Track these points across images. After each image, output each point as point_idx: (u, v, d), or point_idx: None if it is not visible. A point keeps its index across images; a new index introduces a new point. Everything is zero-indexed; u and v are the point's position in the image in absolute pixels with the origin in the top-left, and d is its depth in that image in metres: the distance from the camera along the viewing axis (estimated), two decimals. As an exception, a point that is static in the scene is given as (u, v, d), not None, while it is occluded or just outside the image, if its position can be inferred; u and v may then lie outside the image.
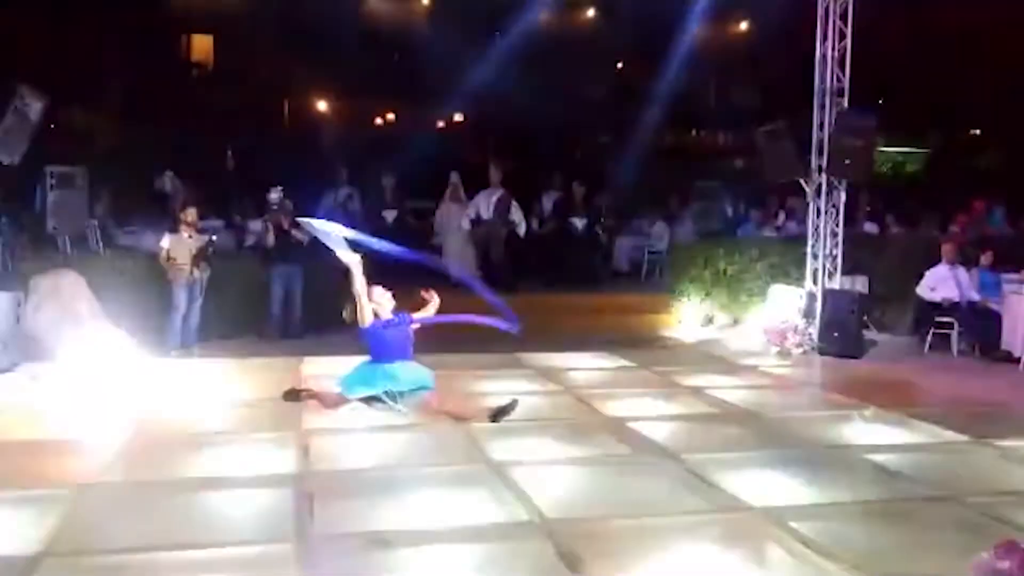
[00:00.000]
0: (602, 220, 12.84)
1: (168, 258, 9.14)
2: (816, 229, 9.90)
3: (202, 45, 17.30)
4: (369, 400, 6.48)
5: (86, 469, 5.14)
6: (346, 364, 7.03)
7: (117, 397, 6.92)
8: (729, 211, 13.28)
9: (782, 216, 13.27)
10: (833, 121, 9.59)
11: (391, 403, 6.39)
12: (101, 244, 10.55)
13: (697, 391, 7.44)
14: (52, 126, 11.49)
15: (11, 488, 4.78)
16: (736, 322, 10.60)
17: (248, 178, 12.39)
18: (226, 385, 7.39)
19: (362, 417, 6.35)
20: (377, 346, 6.58)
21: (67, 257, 9.58)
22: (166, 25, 15.21)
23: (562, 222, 12.77)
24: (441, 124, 19.34)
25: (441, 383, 6.69)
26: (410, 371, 6.54)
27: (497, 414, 6.18)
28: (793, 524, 4.36)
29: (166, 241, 9.25)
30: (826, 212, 9.82)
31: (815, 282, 9.88)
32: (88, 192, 10.06)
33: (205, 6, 16.06)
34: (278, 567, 3.86)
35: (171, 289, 9.12)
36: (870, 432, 6.25)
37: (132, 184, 12.16)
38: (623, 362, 8.67)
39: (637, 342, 9.47)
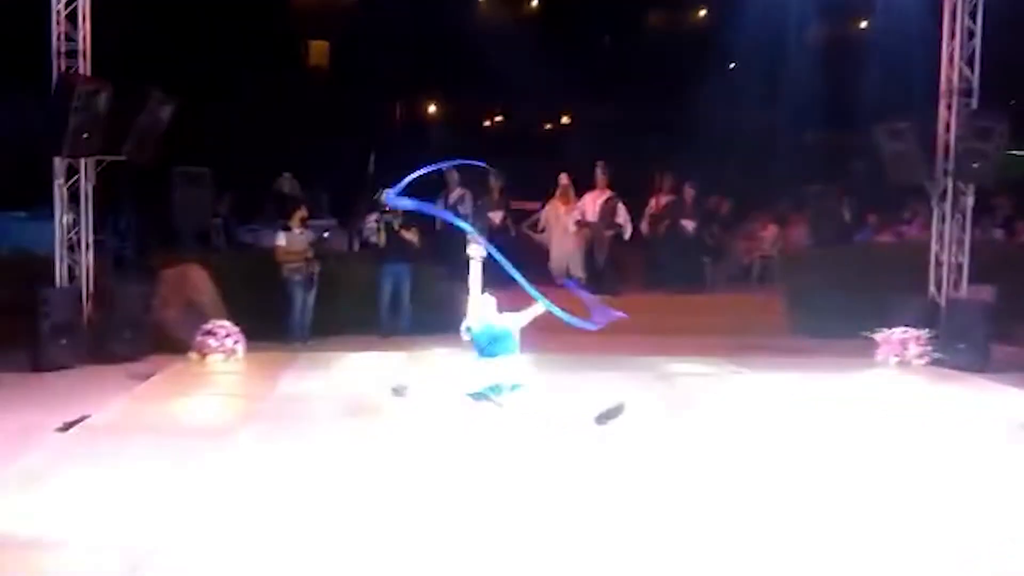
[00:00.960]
0: (713, 226, 12.62)
1: (283, 254, 9.53)
2: (941, 235, 9.46)
3: (319, 50, 17.83)
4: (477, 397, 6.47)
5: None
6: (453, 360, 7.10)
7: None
8: (847, 215, 12.82)
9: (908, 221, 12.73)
10: (960, 123, 9.15)
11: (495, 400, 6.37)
12: (224, 241, 11.03)
13: (810, 401, 7.22)
14: (180, 129, 12.09)
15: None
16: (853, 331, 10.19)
17: (362, 178, 12.69)
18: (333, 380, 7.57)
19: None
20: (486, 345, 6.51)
21: (192, 253, 10.06)
22: (285, 31, 15.76)
23: (671, 225, 12.59)
24: (548, 126, 19.41)
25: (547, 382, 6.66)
26: (513, 367, 6.47)
27: (603, 417, 6.13)
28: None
29: (281, 239, 9.65)
30: (952, 217, 9.38)
31: (939, 291, 9.44)
32: (213, 192, 10.53)
33: (321, 12, 16.60)
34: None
35: (286, 285, 9.48)
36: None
37: (254, 185, 12.65)
38: (732, 367, 8.48)
39: (745, 347, 9.24)
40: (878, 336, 9.00)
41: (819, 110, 14.13)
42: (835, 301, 10.02)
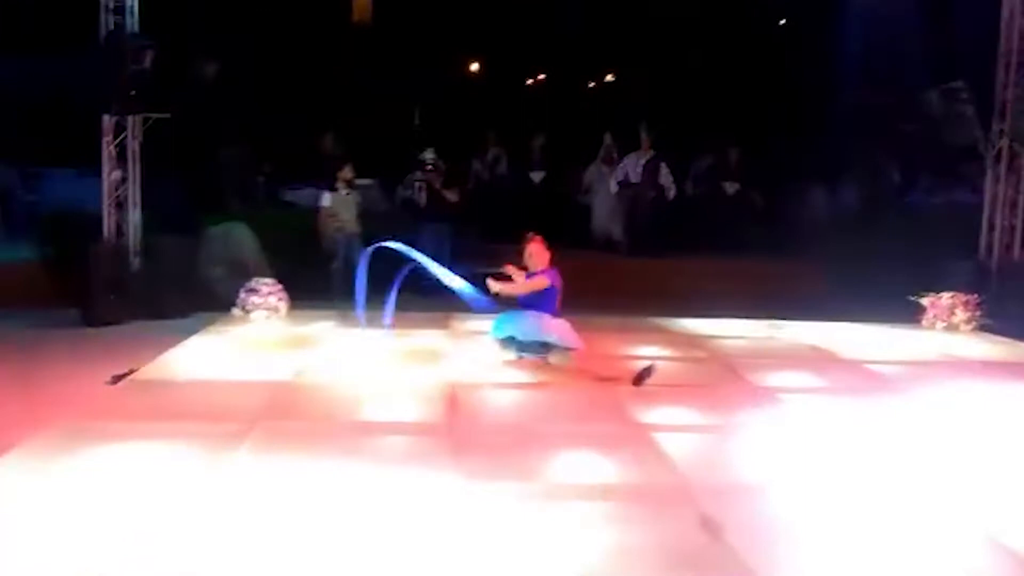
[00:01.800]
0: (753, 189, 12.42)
1: (330, 215, 9.59)
2: (994, 198, 9.22)
3: (362, 5, 17.68)
4: (519, 349, 6.56)
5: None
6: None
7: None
8: (897, 177, 12.53)
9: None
10: (1018, 82, 8.87)
11: (537, 355, 6.47)
12: (267, 200, 11.13)
13: (855, 364, 7.14)
14: (225, 87, 12.14)
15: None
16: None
17: (404, 138, 12.69)
18: (380, 339, 7.65)
19: (509, 374, 6.46)
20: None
21: (236, 211, 10.18)
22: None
23: (714, 187, 12.43)
24: (592, 84, 19.13)
25: (587, 344, 6.70)
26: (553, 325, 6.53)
27: (639, 378, 6.15)
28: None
29: (327, 199, 9.70)
30: (1005, 179, 9.13)
31: (990, 254, 9.22)
32: (257, 151, 10.62)
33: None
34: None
35: (329, 244, 9.56)
36: None
37: (297, 144, 12.69)
38: (773, 332, 8.41)
39: (787, 311, 9.13)
40: (925, 300, 8.84)
41: (870, 70, 13.74)
42: (882, 265, 9.84)
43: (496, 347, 6.71)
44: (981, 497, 4.35)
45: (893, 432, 5.34)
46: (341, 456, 4.64)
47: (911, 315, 8.82)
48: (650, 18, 14.79)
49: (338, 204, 9.65)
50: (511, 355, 6.64)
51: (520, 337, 6.57)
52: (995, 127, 9.13)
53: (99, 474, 4.34)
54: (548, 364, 6.52)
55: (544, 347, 6.54)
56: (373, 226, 9.93)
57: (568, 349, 6.53)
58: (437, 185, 10.16)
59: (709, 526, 3.86)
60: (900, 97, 13.10)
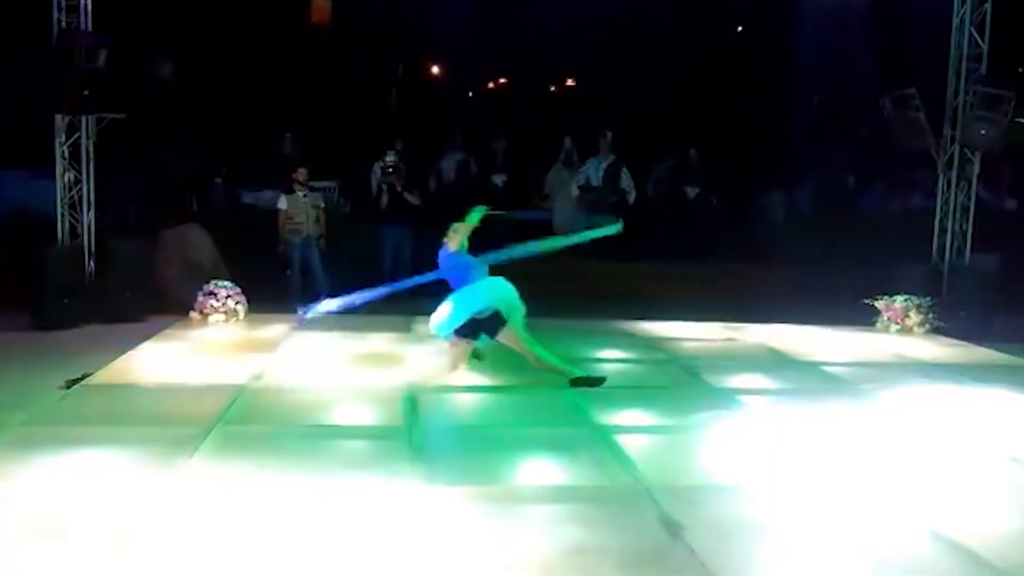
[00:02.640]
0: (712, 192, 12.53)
1: (286, 217, 9.49)
2: (946, 203, 9.41)
3: (320, 7, 17.55)
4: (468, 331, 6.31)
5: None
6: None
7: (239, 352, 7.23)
8: (851, 182, 12.74)
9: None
10: (968, 89, 9.06)
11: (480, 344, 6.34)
12: (225, 202, 10.98)
13: (811, 366, 7.24)
14: (180, 87, 11.97)
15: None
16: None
17: (364, 140, 12.60)
18: (339, 342, 7.59)
19: (468, 376, 6.45)
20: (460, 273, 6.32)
21: (192, 213, 10.03)
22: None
23: (674, 190, 12.52)
24: (552, 88, 19.19)
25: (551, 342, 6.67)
26: (496, 288, 6.27)
27: (579, 382, 6.15)
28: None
29: (283, 202, 9.61)
30: (957, 185, 9.33)
31: (942, 258, 9.41)
32: (213, 152, 10.48)
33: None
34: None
35: (285, 247, 9.47)
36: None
37: (255, 145, 12.56)
38: (732, 334, 8.50)
39: (746, 314, 9.22)
40: (880, 303, 9.00)
41: (825, 75, 13.97)
42: (838, 269, 9.99)
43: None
44: (928, 493, 4.44)
45: (848, 432, 5.43)
46: (299, 461, 4.60)
47: (866, 318, 8.96)
48: (610, 21, 14.88)
49: (294, 206, 9.55)
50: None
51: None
52: (946, 133, 9.32)
53: (52, 479, 4.25)
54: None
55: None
56: (335, 228, 9.87)
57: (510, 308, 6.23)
58: (399, 187, 10.10)
59: (669, 527, 3.88)
60: (854, 103, 13.34)
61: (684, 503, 4.14)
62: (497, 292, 6.25)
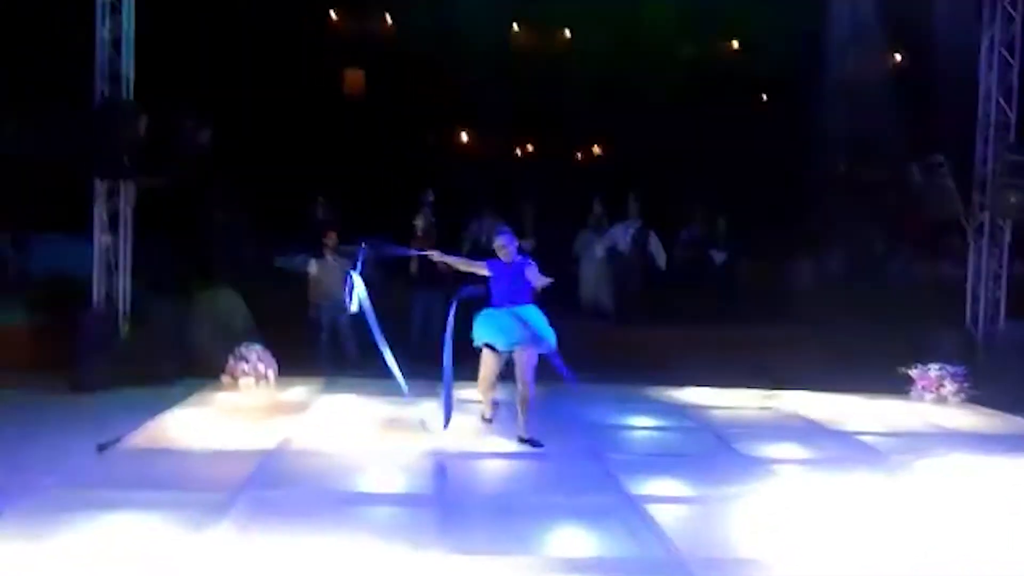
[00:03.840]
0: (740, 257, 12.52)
1: (314, 283, 9.60)
2: (978, 270, 9.35)
3: (354, 79, 18.01)
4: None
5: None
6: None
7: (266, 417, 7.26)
8: (880, 248, 12.69)
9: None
10: (997, 157, 9.07)
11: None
12: (256, 267, 11.11)
13: (845, 435, 7.13)
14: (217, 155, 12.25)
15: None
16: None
17: (394, 206, 12.77)
18: (368, 406, 7.59)
19: (496, 443, 6.42)
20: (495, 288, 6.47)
21: (226, 278, 10.15)
22: (320, 61, 15.96)
23: (701, 255, 12.53)
24: (580, 155, 19.44)
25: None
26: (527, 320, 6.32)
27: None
28: None
29: (313, 267, 9.72)
30: (988, 252, 9.27)
31: (975, 326, 9.30)
32: (248, 219, 10.66)
33: (357, 41, 16.80)
34: None
35: (315, 312, 9.55)
36: None
37: (289, 211, 12.75)
38: (765, 402, 8.41)
39: (777, 381, 9.13)
40: (913, 372, 8.89)
41: (852, 144, 14.05)
42: (869, 337, 9.90)
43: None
44: (958, 569, 4.32)
45: (881, 505, 5.32)
46: (327, 528, 4.57)
47: (900, 386, 8.85)
48: (637, 91, 15.12)
49: (324, 271, 9.66)
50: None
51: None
52: (976, 200, 9.31)
53: (84, 543, 4.25)
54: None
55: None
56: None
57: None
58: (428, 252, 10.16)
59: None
60: (883, 170, 13.36)
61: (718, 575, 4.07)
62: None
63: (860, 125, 14.20)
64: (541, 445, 6.30)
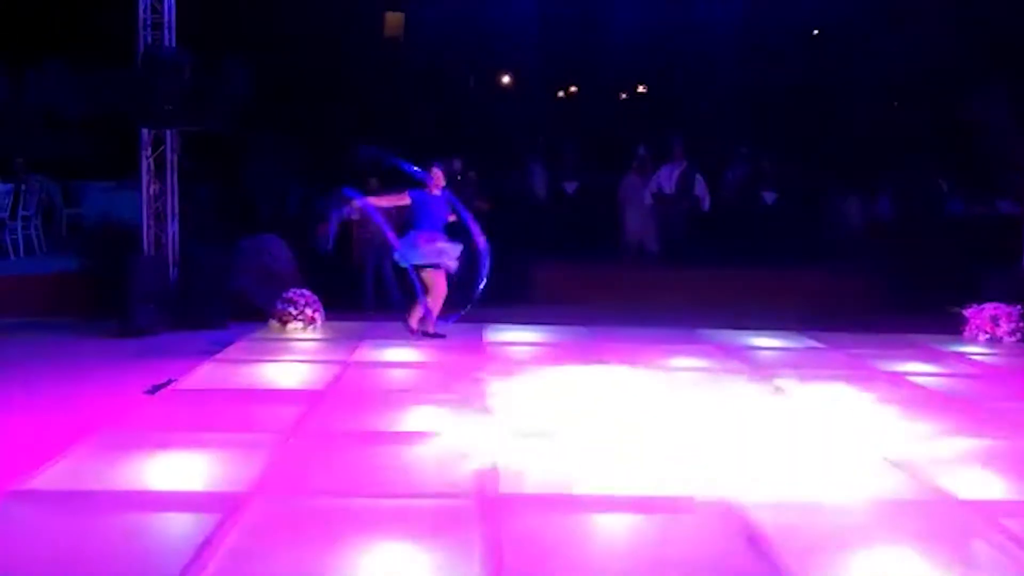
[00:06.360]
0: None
1: (359, 225, 9.62)
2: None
3: (394, 21, 17.81)
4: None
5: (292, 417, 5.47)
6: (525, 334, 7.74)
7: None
8: (943, 187, 12.30)
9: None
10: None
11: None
12: (301, 210, 11.18)
13: (895, 377, 7.01)
14: (258, 100, 12.26)
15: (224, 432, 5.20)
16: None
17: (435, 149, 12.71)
18: (411, 349, 7.65)
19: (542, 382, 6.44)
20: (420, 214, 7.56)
21: (269, 222, 10.23)
22: (360, 3, 15.80)
23: (750, 196, 12.30)
24: (624, 95, 19.11)
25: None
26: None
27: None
28: (1005, 521, 4.03)
29: (355, 212, 9.71)
30: (1049, 188, 8.95)
31: (1032, 265, 9.04)
32: (289, 162, 10.69)
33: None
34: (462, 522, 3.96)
35: (359, 253, 9.61)
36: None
37: (330, 155, 12.77)
38: (812, 343, 8.29)
39: (827, 322, 8.99)
40: (967, 311, 8.69)
41: (912, 79, 13.56)
42: (922, 275, 9.69)
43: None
44: None
45: (944, 442, 5.24)
46: (375, 469, 4.61)
47: (953, 326, 8.66)
48: (682, 27, 14.72)
49: (366, 216, 9.66)
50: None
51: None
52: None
53: (138, 485, 4.36)
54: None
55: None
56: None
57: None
58: (468, 195, 10.12)
59: (755, 542, 3.79)
60: (939, 105, 12.91)
61: (769, 515, 4.03)
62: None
63: (919, 59, 13.69)
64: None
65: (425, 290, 7.55)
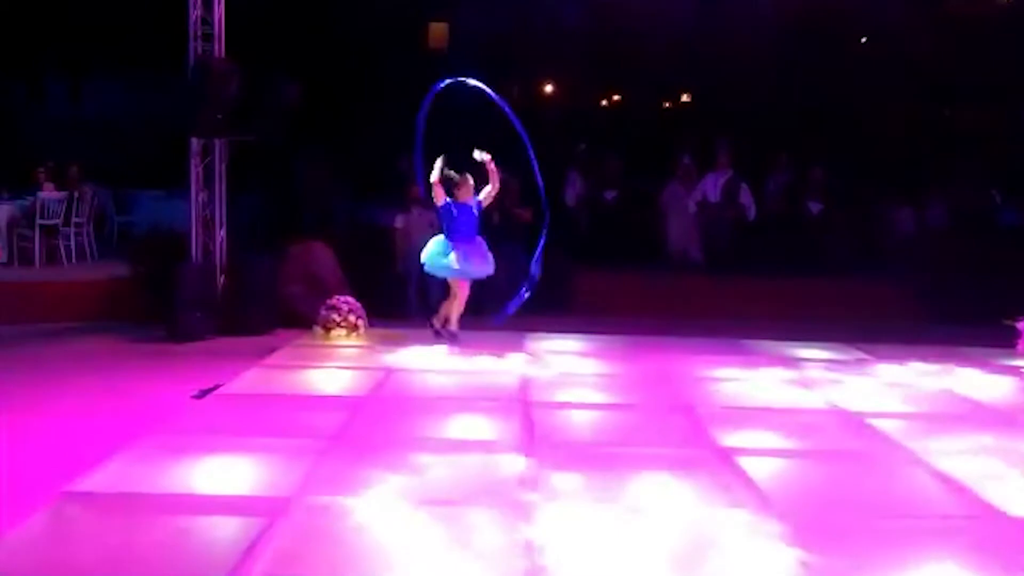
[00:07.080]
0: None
1: (403, 236, 9.70)
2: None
3: (438, 32, 17.94)
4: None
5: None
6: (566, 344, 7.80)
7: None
8: (996, 197, 12.02)
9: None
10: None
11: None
12: (346, 219, 11.30)
13: (945, 390, 6.86)
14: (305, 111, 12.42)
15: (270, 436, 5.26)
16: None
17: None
18: (453, 357, 7.67)
19: (584, 395, 6.41)
20: (448, 225, 7.69)
21: (315, 230, 10.35)
22: (404, 14, 15.94)
23: (795, 205, 12.14)
24: (667, 104, 19.03)
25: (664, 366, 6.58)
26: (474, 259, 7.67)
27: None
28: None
29: (399, 221, 9.83)
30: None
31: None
32: (335, 172, 10.81)
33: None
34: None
35: (403, 263, 9.66)
36: None
37: (376, 165, 12.88)
38: (860, 354, 8.15)
39: (873, 334, 8.83)
40: (1021, 324, 8.47)
41: (962, 87, 13.32)
42: (975, 287, 9.47)
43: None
44: None
45: (990, 460, 5.11)
46: (415, 471, 4.63)
47: (1006, 339, 8.45)
48: (723, 38, 14.62)
49: (410, 224, 9.75)
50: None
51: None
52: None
53: (185, 489, 4.42)
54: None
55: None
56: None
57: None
58: (508, 203, 10.12)
59: (798, 555, 3.73)
60: (993, 113, 12.65)
61: (814, 530, 3.97)
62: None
63: (970, 67, 13.44)
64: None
65: (449, 294, 7.74)
